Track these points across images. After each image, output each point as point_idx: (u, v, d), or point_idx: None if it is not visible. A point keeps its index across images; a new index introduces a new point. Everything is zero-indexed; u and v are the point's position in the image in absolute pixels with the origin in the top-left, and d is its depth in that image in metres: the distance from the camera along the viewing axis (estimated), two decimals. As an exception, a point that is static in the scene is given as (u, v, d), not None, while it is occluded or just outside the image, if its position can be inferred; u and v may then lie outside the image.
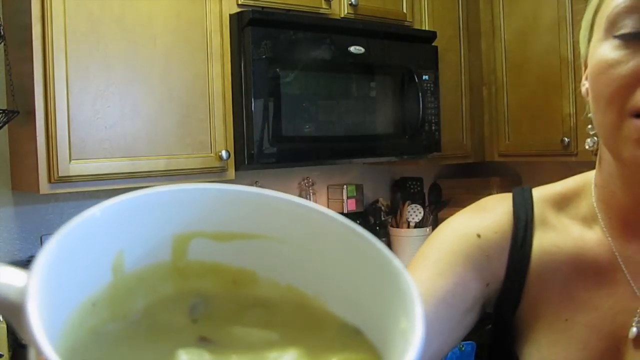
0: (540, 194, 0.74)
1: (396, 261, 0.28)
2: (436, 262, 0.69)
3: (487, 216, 0.73)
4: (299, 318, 0.31)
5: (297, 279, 0.31)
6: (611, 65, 0.58)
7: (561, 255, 0.69)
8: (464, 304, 0.67)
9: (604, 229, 0.68)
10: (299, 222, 0.30)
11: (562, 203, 0.72)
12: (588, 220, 0.70)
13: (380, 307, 0.28)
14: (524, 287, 0.70)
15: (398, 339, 0.26)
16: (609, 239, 0.68)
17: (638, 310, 0.64)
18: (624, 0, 0.58)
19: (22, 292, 0.24)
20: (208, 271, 0.31)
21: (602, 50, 0.60)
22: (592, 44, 0.63)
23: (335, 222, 0.30)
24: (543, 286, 0.69)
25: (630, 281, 0.65)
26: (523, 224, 0.71)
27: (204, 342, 0.27)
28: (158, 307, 0.30)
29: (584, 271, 0.68)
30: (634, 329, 0.63)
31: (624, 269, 0.66)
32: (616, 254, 0.67)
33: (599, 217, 0.69)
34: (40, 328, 0.22)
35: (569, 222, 0.71)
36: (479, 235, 0.71)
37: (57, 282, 0.25)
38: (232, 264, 0.31)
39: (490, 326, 0.73)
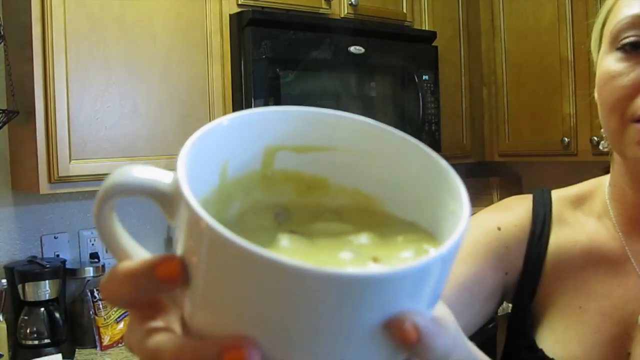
0: (559, 194, 0.80)
1: (443, 161, 0.34)
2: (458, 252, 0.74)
3: (508, 212, 0.80)
4: (365, 218, 0.37)
5: (361, 184, 0.38)
6: (613, 76, 0.64)
7: (576, 248, 0.75)
8: (483, 290, 0.74)
9: (615, 225, 0.74)
10: (362, 135, 0.36)
11: (579, 202, 0.79)
12: (601, 217, 0.75)
13: (431, 200, 0.35)
14: (541, 277, 0.76)
15: (448, 219, 0.32)
16: (620, 234, 0.73)
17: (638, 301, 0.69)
18: (626, 17, 0.64)
19: (171, 185, 0.31)
20: (289, 178, 0.37)
21: (606, 63, 0.66)
22: (599, 55, 0.69)
23: (391, 134, 0.36)
24: (558, 276, 0.75)
25: (639, 272, 0.71)
26: (541, 220, 0.77)
27: (293, 233, 0.33)
28: (249, 212, 0.36)
29: (597, 263, 0.73)
30: None
31: (633, 261, 0.71)
32: (626, 247, 0.72)
33: (611, 213, 0.74)
34: (197, 204, 0.28)
35: (584, 218, 0.77)
36: (499, 228, 0.78)
37: (189, 179, 0.30)
38: (308, 171, 0.37)
39: (492, 325, 0.77)
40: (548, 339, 0.73)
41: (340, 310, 0.28)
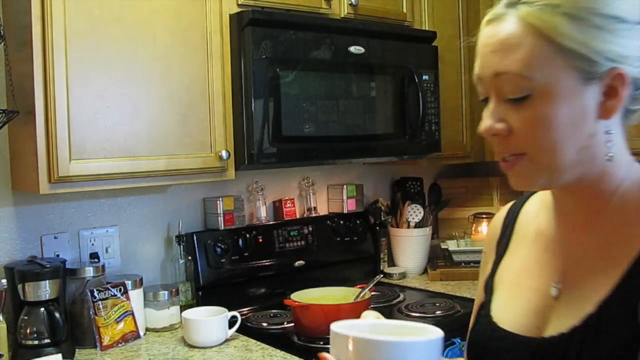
0: (534, 196, 1.01)
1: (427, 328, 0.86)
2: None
3: (489, 231, 1.08)
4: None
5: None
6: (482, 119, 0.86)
7: (527, 237, 0.97)
8: None
9: (553, 215, 0.93)
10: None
11: (543, 197, 0.98)
12: (549, 209, 0.94)
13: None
14: (499, 264, 1.00)
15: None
16: (554, 222, 0.92)
17: (556, 277, 0.89)
18: (474, 74, 0.85)
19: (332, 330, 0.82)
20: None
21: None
22: None
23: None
24: (511, 261, 0.98)
25: (559, 255, 0.90)
26: (507, 225, 1.02)
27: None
28: None
29: (538, 248, 0.94)
30: (553, 289, 0.88)
31: (558, 245, 0.90)
32: (554, 233, 0.92)
33: (552, 205, 0.93)
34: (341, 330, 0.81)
35: (541, 210, 0.97)
36: (485, 252, 1.07)
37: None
38: None
39: None
40: (495, 309, 0.95)
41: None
